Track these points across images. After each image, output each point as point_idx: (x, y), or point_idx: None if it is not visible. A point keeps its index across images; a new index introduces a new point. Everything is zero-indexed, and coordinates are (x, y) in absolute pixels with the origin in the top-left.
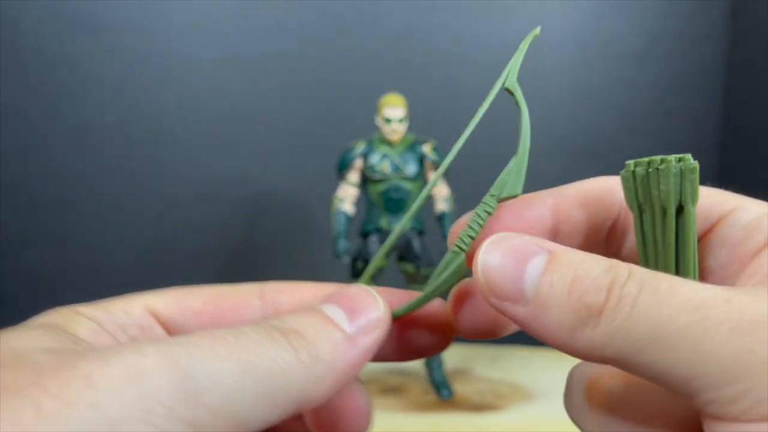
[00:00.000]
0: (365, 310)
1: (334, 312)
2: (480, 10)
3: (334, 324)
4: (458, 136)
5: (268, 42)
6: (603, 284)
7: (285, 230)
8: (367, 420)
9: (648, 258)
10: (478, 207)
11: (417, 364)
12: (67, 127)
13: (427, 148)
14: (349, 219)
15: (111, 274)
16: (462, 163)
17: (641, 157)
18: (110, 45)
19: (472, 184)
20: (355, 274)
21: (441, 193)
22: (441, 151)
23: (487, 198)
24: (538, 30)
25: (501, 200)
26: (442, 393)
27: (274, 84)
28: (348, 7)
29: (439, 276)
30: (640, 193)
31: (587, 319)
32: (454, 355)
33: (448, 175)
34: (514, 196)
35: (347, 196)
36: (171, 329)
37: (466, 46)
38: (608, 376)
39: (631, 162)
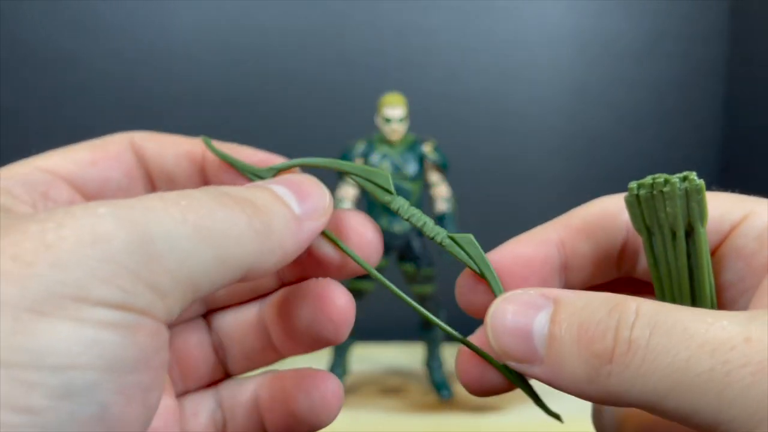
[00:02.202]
0: (313, 197)
1: (283, 192)
2: (480, 9)
3: (284, 203)
4: (458, 136)
5: (268, 42)
6: (609, 328)
7: None
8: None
9: (662, 282)
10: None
11: (417, 365)
12: (68, 126)
13: (427, 148)
14: None
15: None
16: (462, 163)
17: (641, 157)
18: (110, 45)
19: (473, 184)
20: None
21: (441, 193)
22: (441, 150)
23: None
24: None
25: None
26: (442, 393)
27: (274, 84)
28: (348, 6)
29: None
30: (646, 216)
31: (599, 367)
32: (454, 356)
33: (448, 175)
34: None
35: (347, 196)
36: (74, 183)
37: (467, 45)
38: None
39: (634, 185)
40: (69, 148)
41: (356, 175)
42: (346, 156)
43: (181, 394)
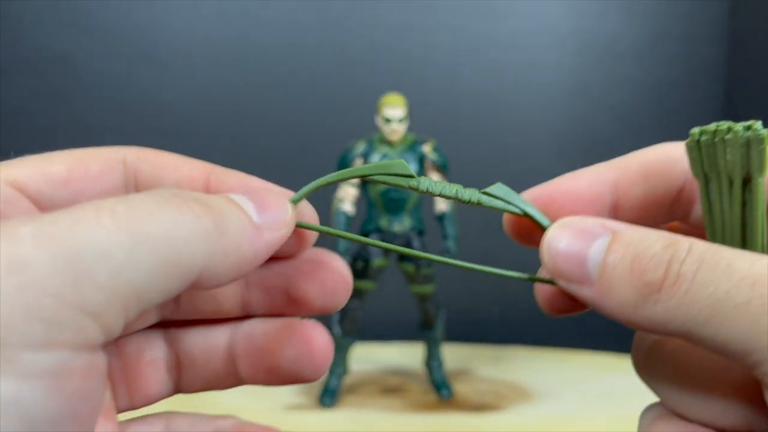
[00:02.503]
0: (274, 209)
1: (241, 200)
2: (480, 9)
3: (242, 208)
4: (458, 136)
5: (267, 42)
6: (662, 261)
7: None
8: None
9: (715, 229)
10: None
11: (417, 365)
12: (68, 126)
13: (427, 148)
14: (349, 219)
15: None
16: (462, 163)
17: None
18: (111, 44)
19: (473, 184)
20: (355, 274)
21: None
22: (441, 151)
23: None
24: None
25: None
26: (442, 393)
27: (274, 84)
28: (348, 7)
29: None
30: (705, 163)
31: (648, 296)
32: (454, 355)
33: (448, 175)
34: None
35: (347, 196)
36: (40, 203)
37: (467, 45)
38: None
39: (696, 130)
40: (48, 157)
41: (374, 174)
42: (346, 156)
43: (125, 410)
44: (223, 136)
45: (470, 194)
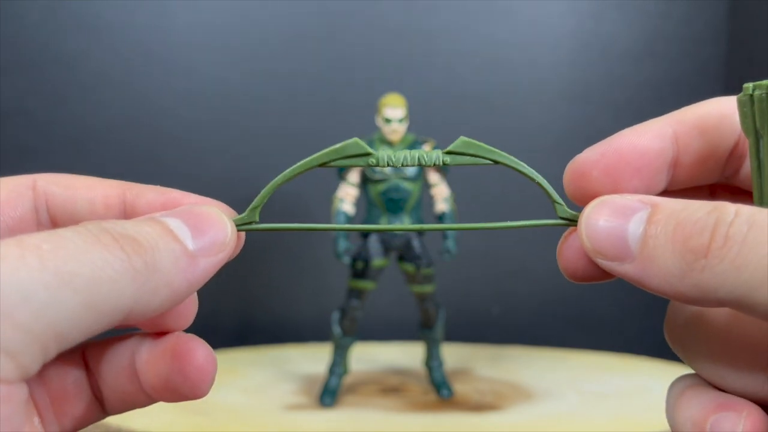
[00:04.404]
0: (211, 231)
1: (176, 226)
2: (480, 10)
3: (176, 237)
4: (458, 136)
5: (268, 42)
6: (707, 226)
7: None
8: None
9: (763, 186)
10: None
11: (417, 364)
12: (68, 126)
13: (427, 148)
14: (349, 219)
15: None
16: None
17: None
18: (111, 44)
19: (473, 184)
20: (355, 274)
21: (441, 194)
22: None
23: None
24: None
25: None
26: (442, 393)
27: (274, 84)
28: (348, 7)
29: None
30: (758, 118)
31: (693, 262)
32: (454, 355)
33: (448, 175)
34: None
35: (347, 196)
36: None
37: (466, 46)
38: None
39: (749, 84)
40: None
41: (331, 161)
42: None
43: None
44: (223, 137)
45: (435, 157)
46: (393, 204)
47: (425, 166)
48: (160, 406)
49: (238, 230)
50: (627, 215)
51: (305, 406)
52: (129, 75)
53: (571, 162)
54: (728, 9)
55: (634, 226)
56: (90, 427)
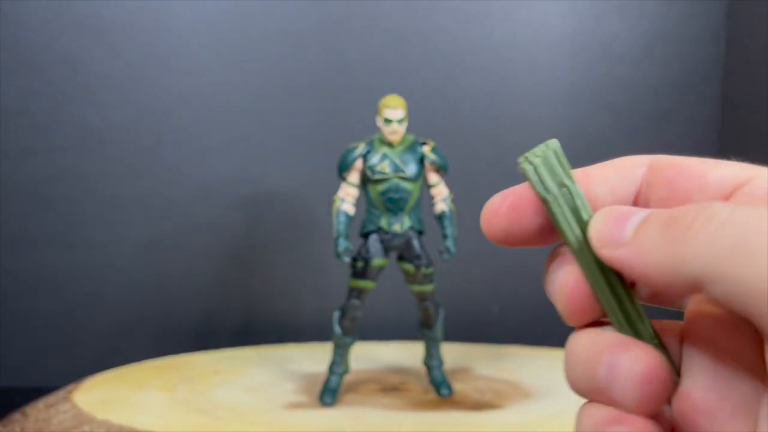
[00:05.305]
0: None
1: None
2: (479, 12)
3: None
4: (458, 136)
5: (269, 43)
6: (695, 209)
7: (286, 230)
8: None
9: (568, 235)
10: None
11: (417, 363)
12: (70, 127)
13: (427, 149)
14: (350, 219)
15: (112, 274)
16: (462, 163)
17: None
18: (113, 45)
19: (472, 185)
20: (355, 274)
21: (441, 194)
22: (441, 151)
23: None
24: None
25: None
26: (441, 392)
27: (275, 85)
28: (349, 8)
29: None
30: (538, 188)
31: (677, 234)
32: (453, 354)
33: (448, 176)
34: None
35: (347, 197)
36: None
37: (466, 46)
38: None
39: (521, 158)
40: None
41: None
42: (346, 157)
43: None
44: (224, 137)
45: None
46: (393, 204)
47: None
48: (163, 404)
49: None
50: (629, 214)
51: (306, 405)
52: (131, 76)
53: (483, 208)
54: (725, 11)
55: (633, 220)
56: (93, 425)
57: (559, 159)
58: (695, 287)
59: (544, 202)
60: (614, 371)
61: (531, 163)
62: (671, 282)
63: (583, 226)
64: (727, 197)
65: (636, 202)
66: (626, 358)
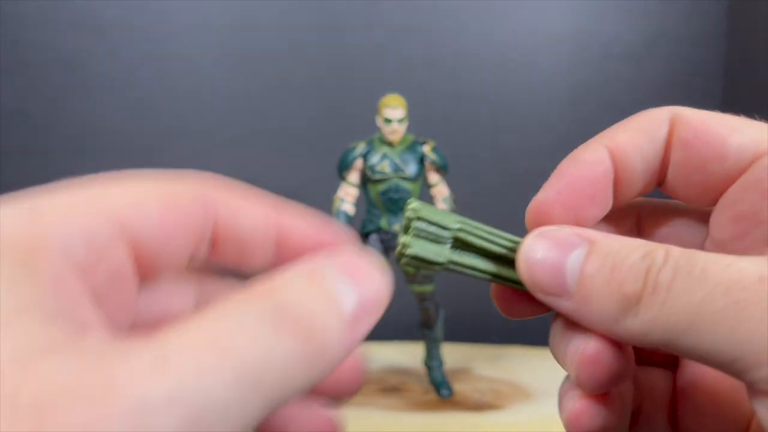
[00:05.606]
0: (371, 286)
1: (340, 287)
2: (480, 11)
3: (338, 306)
4: (458, 136)
5: (268, 42)
6: (640, 272)
7: None
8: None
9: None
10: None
11: (417, 364)
12: (69, 127)
13: (427, 149)
14: (350, 219)
15: None
16: (462, 163)
17: None
18: (112, 45)
19: (472, 184)
20: None
21: (441, 193)
22: (441, 151)
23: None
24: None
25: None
26: (441, 392)
27: (275, 85)
28: (349, 7)
29: None
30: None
31: (628, 308)
32: (453, 355)
33: (448, 176)
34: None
35: (347, 196)
36: (137, 248)
37: (466, 46)
38: None
39: (398, 253)
40: (136, 185)
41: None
42: (346, 156)
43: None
44: (224, 137)
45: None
46: (393, 204)
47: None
48: None
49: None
50: (565, 250)
51: None
52: (129, 75)
53: (531, 204)
54: (726, 10)
55: (572, 263)
56: None
57: (430, 215)
58: (657, 348)
59: (447, 269)
60: (569, 351)
61: (410, 246)
62: (630, 344)
63: (497, 248)
64: (743, 170)
65: (664, 162)
66: (578, 340)
